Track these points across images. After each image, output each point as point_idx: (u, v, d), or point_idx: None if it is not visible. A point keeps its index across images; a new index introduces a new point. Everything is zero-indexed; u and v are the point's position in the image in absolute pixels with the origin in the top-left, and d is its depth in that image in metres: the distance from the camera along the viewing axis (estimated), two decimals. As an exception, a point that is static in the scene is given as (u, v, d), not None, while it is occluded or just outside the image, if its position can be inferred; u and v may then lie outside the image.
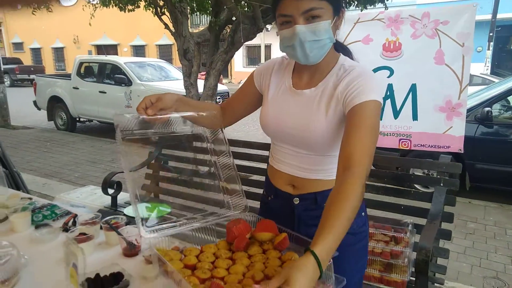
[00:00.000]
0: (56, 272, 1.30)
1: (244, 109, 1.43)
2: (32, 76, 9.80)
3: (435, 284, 2.13)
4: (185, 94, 5.35)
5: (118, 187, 3.06)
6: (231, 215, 1.33)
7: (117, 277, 1.24)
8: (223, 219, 1.29)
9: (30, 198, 1.99)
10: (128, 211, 2.79)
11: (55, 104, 9.04)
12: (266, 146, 2.79)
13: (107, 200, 3.13)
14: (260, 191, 2.93)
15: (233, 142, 3.01)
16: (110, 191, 3.04)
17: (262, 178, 2.87)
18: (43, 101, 9.16)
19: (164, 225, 1.22)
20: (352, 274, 1.26)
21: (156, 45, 24.79)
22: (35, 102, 9.45)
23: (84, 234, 1.49)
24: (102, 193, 3.03)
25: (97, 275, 1.25)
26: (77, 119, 9.02)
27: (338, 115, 1.16)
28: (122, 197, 3.35)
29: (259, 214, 1.41)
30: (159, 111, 1.25)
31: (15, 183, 3.71)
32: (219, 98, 7.74)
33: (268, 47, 21.70)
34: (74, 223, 1.68)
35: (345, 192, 0.99)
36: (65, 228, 1.66)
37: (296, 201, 1.29)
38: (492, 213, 4.15)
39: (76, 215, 1.74)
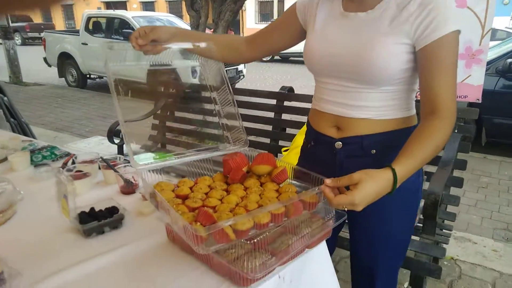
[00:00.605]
0: (51, 207, 1.28)
1: (281, 40, 1.29)
2: (42, 34, 9.68)
3: (443, 230, 2.08)
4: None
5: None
6: (229, 149, 1.26)
7: (112, 211, 1.21)
8: (221, 152, 1.23)
9: (31, 141, 1.96)
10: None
11: (65, 61, 8.96)
12: (273, 95, 2.69)
13: (115, 150, 3.12)
14: (267, 140, 2.89)
15: (239, 91, 2.91)
16: (116, 140, 3.02)
17: (268, 128, 2.83)
18: (53, 57, 9.09)
19: (158, 159, 1.17)
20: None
21: (166, 1, 24.10)
22: (45, 59, 9.39)
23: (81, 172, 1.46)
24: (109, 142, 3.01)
25: (92, 209, 1.22)
26: (88, 75, 8.97)
27: (401, 42, 1.00)
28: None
29: (297, 164, 1.34)
30: (151, 42, 1.17)
31: (24, 133, 3.74)
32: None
33: (281, 2, 20.88)
34: (74, 163, 1.65)
35: (430, 130, 0.97)
36: (64, 168, 1.63)
37: (339, 145, 1.15)
38: (508, 168, 4.03)
39: (75, 155, 1.70)
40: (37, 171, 1.57)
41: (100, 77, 9.21)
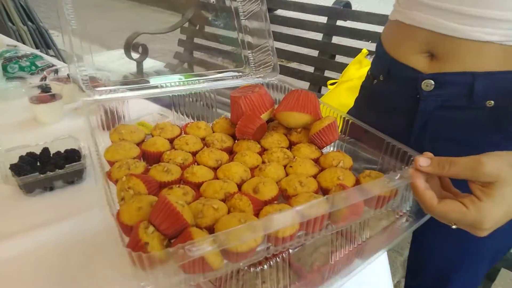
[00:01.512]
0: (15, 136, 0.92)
1: None
2: None
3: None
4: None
5: (144, 51, 2.59)
6: (246, 77, 0.80)
7: (71, 156, 0.82)
8: (232, 82, 0.77)
9: (15, 46, 1.58)
10: (155, 80, 2.39)
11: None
12: (324, 11, 2.09)
13: (134, 66, 2.73)
14: (310, 69, 2.35)
15: (281, 3, 2.32)
16: (135, 55, 2.60)
17: (314, 53, 2.26)
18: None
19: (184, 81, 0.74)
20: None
21: None
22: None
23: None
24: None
25: (45, 150, 0.84)
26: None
27: None
28: (151, 64, 2.93)
29: (353, 109, 0.87)
30: None
31: (44, 40, 3.40)
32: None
33: None
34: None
35: None
36: (41, 86, 1.24)
37: (428, 85, 0.67)
38: None
39: (57, 70, 1.30)
40: (5, 85, 1.20)
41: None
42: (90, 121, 0.62)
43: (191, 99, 0.81)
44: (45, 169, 0.77)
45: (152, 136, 0.66)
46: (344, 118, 0.68)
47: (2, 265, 0.61)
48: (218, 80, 0.77)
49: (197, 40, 2.77)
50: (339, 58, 2.10)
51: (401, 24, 0.70)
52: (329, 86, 1.92)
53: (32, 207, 0.76)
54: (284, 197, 0.54)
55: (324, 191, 0.56)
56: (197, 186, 0.54)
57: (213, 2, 1.08)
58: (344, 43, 2.10)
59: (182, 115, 0.87)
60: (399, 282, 1.63)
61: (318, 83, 2.12)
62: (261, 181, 0.53)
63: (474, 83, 0.63)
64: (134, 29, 2.57)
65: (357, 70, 1.74)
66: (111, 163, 0.57)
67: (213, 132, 0.69)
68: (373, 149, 0.65)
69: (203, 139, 0.67)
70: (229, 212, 0.48)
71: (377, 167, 0.64)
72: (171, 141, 0.65)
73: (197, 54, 2.84)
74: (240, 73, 0.83)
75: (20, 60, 1.39)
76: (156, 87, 0.78)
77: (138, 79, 0.76)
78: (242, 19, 0.90)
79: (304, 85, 2.19)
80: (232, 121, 0.69)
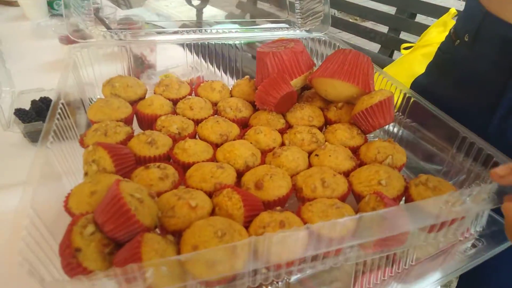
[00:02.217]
0: (31, 80, 0.85)
1: None
2: None
3: None
4: None
5: (205, -2, 2.45)
6: (286, 30, 0.63)
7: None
8: (262, 34, 0.61)
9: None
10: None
11: None
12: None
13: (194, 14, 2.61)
14: (384, 29, 2.04)
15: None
16: (196, 2, 2.47)
17: (391, 10, 1.94)
18: None
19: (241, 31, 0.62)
20: None
21: None
22: None
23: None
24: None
25: (44, 99, 0.75)
26: None
27: None
28: (213, 13, 2.79)
29: (423, 76, 0.68)
30: None
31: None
32: None
33: None
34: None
35: None
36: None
37: None
38: None
39: (98, 9, 1.21)
40: (44, 23, 1.14)
41: None
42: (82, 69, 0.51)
43: (225, 52, 0.67)
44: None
45: (154, 93, 0.53)
46: (405, 94, 0.49)
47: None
48: (249, 30, 0.61)
49: (262, -11, 2.55)
50: (420, 18, 1.79)
51: None
52: (403, 51, 1.64)
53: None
54: (298, 199, 0.39)
55: (356, 196, 0.40)
56: (186, 168, 0.41)
57: None
58: (429, 0, 1.77)
59: (219, 70, 0.74)
60: None
61: (390, 45, 1.84)
62: (269, 171, 0.39)
63: None
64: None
65: (440, 34, 1.45)
66: (94, 123, 0.46)
67: (231, 96, 0.54)
68: (442, 141, 0.47)
69: (215, 104, 0.52)
70: (213, 212, 0.35)
71: (443, 169, 0.46)
72: (176, 102, 0.52)
73: (261, 5, 2.64)
74: (281, 25, 0.66)
75: (67, -3, 1.32)
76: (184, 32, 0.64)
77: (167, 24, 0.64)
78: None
79: (375, 47, 1.92)
80: (256, 85, 0.54)
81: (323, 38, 0.63)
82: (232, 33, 0.65)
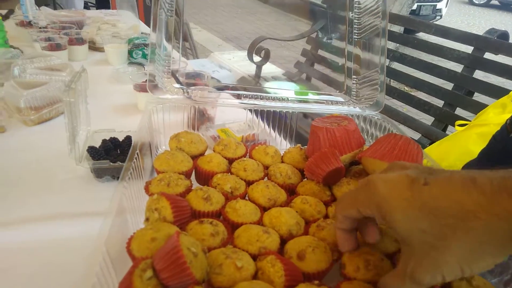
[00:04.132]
0: (102, 119, 0.95)
1: None
2: None
3: None
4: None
5: (266, 55, 2.61)
6: (342, 105, 0.68)
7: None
8: (319, 107, 0.66)
9: (148, 34, 1.71)
10: (271, 84, 2.40)
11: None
12: (471, 38, 1.78)
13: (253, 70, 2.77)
14: (439, 103, 2.04)
15: (420, 25, 2.06)
16: (257, 58, 2.63)
17: (448, 86, 1.95)
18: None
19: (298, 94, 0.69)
20: None
21: None
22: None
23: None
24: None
25: (127, 138, 0.84)
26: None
27: None
28: (271, 70, 2.94)
29: (475, 161, 0.71)
30: None
31: (183, 33, 3.71)
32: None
33: None
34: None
35: None
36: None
37: None
38: None
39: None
40: (123, 69, 1.29)
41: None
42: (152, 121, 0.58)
43: (280, 116, 0.73)
44: (116, 159, 0.77)
45: (214, 151, 0.58)
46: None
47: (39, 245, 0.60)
48: (305, 101, 0.67)
49: (321, 52, 2.67)
50: (477, 97, 1.78)
51: None
52: (457, 127, 1.62)
53: (96, 193, 0.76)
54: (340, 274, 0.41)
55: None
56: (234, 227, 0.44)
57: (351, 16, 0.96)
58: (489, 80, 1.76)
59: (273, 130, 0.79)
60: None
61: (445, 120, 1.83)
62: (312, 244, 0.41)
63: None
64: (267, 33, 2.61)
65: (497, 115, 1.43)
66: (159, 173, 0.52)
67: (282, 162, 0.59)
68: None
69: (267, 167, 0.57)
70: (255, 276, 0.38)
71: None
72: (231, 161, 0.57)
73: (318, 67, 2.75)
74: (336, 98, 0.70)
75: (146, 48, 1.48)
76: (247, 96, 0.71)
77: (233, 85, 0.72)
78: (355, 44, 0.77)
79: (429, 119, 1.91)
80: (306, 154, 0.58)
81: (375, 118, 0.66)
82: (290, 103, 0.70)
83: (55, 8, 3.04)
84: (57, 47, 1.34)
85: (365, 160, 0.54)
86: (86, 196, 0.74)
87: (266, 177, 0.55)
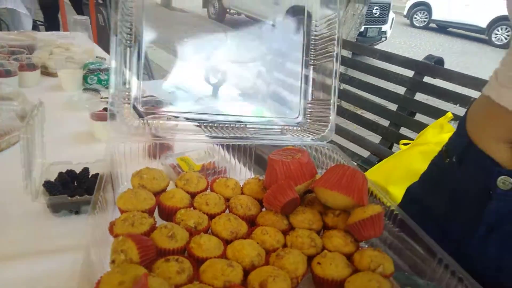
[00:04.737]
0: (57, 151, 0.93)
1: None
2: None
3: None
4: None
5: (223, 76, 2.66)
6: (296, 137, 0.73)
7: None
8: (277, 137, 0.71)
9: (105, 59, 1.69)
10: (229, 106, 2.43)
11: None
12: (411, 64, 1.94)
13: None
14: (385, 123, 2.18)
15: (368, 51, 2.22)
16: (213, 80, 2.67)
17: (393, 107, 2.09)
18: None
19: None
20: None
21: None
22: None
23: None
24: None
25: (84, 170, 0.84)
26: (227, 10, 8.89)
27: None
28: (228, 91, 2.99)
29: (417, 185, 0.76)
30: None
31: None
32: None
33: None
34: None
35: None
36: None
37: (506, 183, 0.55)
38: None
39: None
40: (77, 96, 1.27)
41: (238, 14, 9.04)
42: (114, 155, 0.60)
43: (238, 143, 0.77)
44: (74, 192, 0.76)
45: (176, 186, 0.61)
46: (392, 211, 0.57)
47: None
48: (261, 132, 0.71)
49: (277, 75, 2.76)
50: (419, 117, 1.93)
51: (492, 103, 0.56)
52: (401, 146, 1.75)
53: (53, 229, 0.74)
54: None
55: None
56: (200, 262, 0.47)
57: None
58: (428, 102, 1.92)
59: (233, 158, 0.83)
60: None
61: (390, 139, 1.96)
62: (272, 273, 0.44)
63: None
64: (224, 53, 2.65)
65: (436, 135, 1.56)
66: (122, 212, 0.53)
67: (242, 193, 0.62)
68: (424, 255, 0.53)
69: (227, 199, 0.60)
70: (220, 309, 0.40)
71: (423, 281, 0.51)
72: (194, 195, 0.59)
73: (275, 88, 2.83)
74: (290, 127, 0.76)
75: (101, 73, 1.47)
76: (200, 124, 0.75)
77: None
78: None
79: (375, 138, 2.04)
80: (264, 185, 0.62)
81: (326, 148, 0.72)
82: (247, 132, 0.75)
83: (0, 28, 2.90)
84: (6, 74, 1.29)
85: (317, 190, 0.59)
86: (44, 233, 0.72)
87: (227, 209, 0.58)
